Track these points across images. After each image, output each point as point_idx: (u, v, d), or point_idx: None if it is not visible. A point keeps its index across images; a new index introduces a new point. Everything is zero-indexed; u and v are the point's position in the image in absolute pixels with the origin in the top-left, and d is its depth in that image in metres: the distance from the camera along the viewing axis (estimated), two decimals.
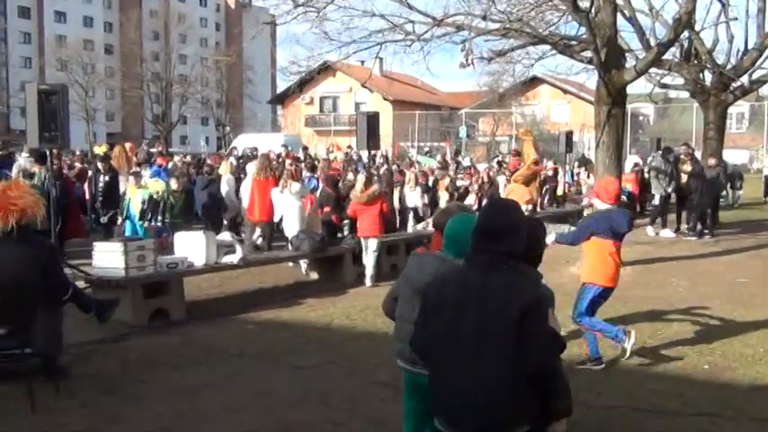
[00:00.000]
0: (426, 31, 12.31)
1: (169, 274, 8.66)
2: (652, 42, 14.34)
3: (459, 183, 16.77)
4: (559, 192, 19.35)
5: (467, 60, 12.07)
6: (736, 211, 20.16)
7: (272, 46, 50.23)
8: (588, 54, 12.20)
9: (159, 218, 11.56)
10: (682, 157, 15.36)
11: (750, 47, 17.06)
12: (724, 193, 19.80)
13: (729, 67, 17.11)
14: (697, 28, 16.07)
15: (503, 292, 2.91)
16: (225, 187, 13.75)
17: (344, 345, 7.41)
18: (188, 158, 18.73)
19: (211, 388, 6.08)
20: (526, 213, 6.62)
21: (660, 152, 16.17)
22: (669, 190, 15.03)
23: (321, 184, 13.04)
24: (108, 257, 8.17)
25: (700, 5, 13.79)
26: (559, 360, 3.09)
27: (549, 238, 6.48)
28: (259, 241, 12.24)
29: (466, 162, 25.23)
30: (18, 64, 64.11)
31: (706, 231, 14.75)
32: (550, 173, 19.50)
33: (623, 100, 12.00)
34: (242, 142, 28.72)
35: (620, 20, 12.98)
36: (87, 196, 14.13)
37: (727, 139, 18.86)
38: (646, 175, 17.64)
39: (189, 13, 71.76)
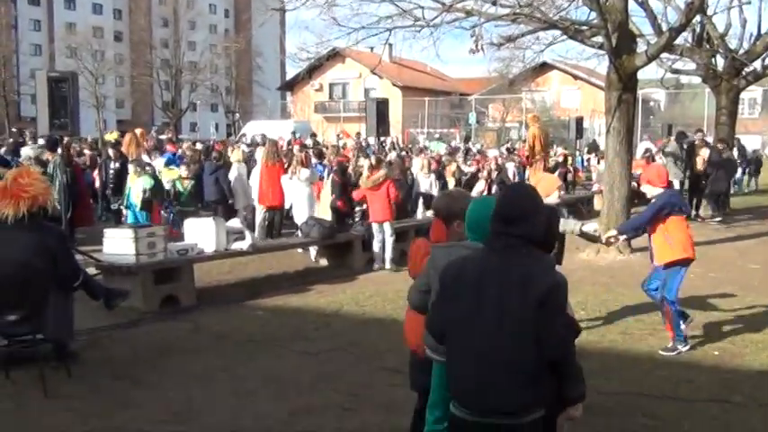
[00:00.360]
0: (436, 17, 12.22)
1: (179, 261, 8.72)
2: (664, 27, 14.20)
3: (466, 169, 16.73)
4: (569, 177, 19.27)
5: (476, 46, 11.98)
6: (749, 197, 20.03)
7: (281, 32, 50.03)
8: (599, 39, 12.08)
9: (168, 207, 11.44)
10: (697, 143, 15.25)
11: (763, 31, 16.83)
12: (738, 176, 19.68)
13: (742, 51, 16.92)
14: (709, 12, 15.87)
15: (522, 276, 2.91)
16: (235, 174, 13.72)
17: (354, 331, 7.44)
18: (197, 146, 18.50)
19: (222, 373, 6.12)
20: (558, 200, 6.71)
21: (674, 137, 16.07)
22: (686, 175, 14.96)
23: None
24: (119, 244, 8.23)
25: None
26: (574, 346, 3.10)
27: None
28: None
29: (476, 148, 25.18)
30: (28, 51, 64.16)
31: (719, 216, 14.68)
32: (560, 159, 19.43)
33: (634, 85, 11.91)
34: (251, 129, 28.77)
35: (632, 4, 12.84)
36: (98, 183, 14.20)
37: (739, 125, 18.67)
38: (658, 161, 17.54)
39: (198, 0, 71.67)
